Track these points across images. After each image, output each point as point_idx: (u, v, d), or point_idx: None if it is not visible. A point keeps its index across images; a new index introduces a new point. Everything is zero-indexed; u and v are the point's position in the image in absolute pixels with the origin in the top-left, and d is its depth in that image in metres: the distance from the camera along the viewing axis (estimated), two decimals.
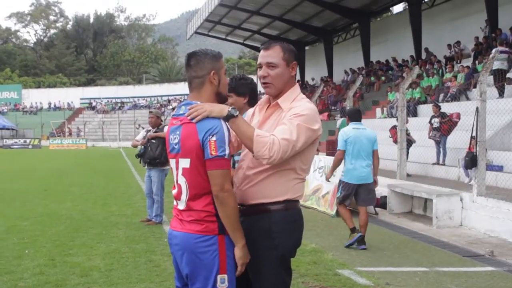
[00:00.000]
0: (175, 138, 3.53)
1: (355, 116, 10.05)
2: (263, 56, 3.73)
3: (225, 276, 3.45)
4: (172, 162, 3.61)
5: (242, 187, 3.67)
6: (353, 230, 9.66)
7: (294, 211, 3.70)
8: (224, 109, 3.40)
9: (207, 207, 3.45)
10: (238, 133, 3.45)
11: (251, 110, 4.05)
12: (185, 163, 3.46)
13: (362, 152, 9.59)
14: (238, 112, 3.42)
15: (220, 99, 3.63)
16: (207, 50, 3.68)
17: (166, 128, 9.50)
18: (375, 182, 9.91)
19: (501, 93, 18.93)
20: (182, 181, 3.51)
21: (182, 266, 3.55)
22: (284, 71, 3.71)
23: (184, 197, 3.51)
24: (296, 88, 3.80)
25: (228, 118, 3.39)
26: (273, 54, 3.70)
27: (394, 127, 18.14)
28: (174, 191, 3.60)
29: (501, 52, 18.41)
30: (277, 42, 3.81)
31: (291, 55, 3.74)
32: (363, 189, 9.68)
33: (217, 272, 3.43)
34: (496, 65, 18.89)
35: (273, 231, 3.58)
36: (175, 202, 3.64)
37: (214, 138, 3.35)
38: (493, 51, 13.48)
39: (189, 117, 3.39)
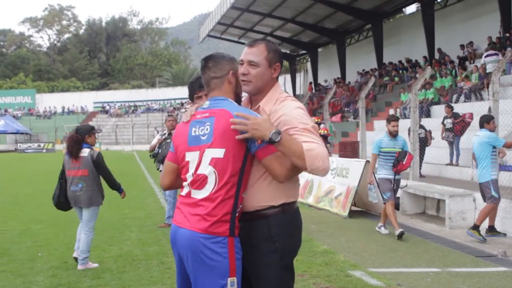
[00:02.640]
0: (203, 129, 3.48)
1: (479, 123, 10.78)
2: (246, 53, 3.65)
3: (235, 279, 3.41)
4: (193, 154, 3.52)
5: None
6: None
7: (291, 213, 3.65)
8: (267, 134, 3.28)
9: (228, 202, 3.40)
10: (287, 153, 3.33)
11: None
12: (217, 153, 3.39)
13: None
14: (279, 136, 3.28)
15: (237, 99, 3.63)
16: (223, 53, 3.72)
17: None
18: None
19: None
20: (209, 170, 3.41)
21: (189, 268, 3.49)
22: (265, 71, 3.63)
23: (209, 186, 3.41)
24: (277, 87, 3.73)
25: (271, 143, 3.31)
26: (256, 52, 3.64)
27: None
28: (187, 183, 3.53)
29: None
30: (264, 40, 3.74)
31: (275, 55, 3.67)
32: None
33: (228, 275, 3.38)
34: None
35: (272, 235, 3.54)
36: (184, 193, 3.55)
37: None
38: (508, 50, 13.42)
39: (232, 127, 3.32)
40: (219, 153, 3.40)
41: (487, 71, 18.99)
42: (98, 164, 8.30)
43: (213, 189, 3.40)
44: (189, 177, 3.51)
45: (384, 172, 10.97)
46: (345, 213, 13.01)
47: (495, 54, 21.63)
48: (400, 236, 10.31)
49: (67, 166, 8.38)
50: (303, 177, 16.64)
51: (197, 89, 4.34)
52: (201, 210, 3.40)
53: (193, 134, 3.54)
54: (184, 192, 3.56)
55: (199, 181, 3.45)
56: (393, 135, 10.93)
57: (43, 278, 7.60)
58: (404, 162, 10.76)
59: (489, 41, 26.03)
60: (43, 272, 7.94)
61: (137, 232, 10.88)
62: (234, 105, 3.54)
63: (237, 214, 3.47)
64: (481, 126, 10.56)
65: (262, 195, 3.54)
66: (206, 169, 3.43)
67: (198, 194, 3.44)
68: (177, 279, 3.70)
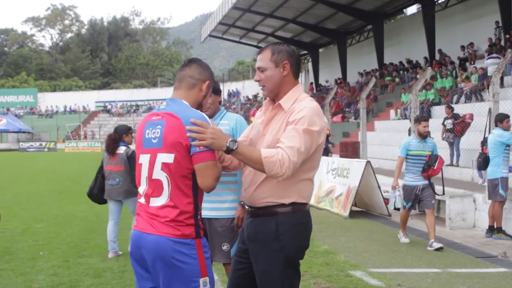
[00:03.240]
0: (154, 132, 3.45)
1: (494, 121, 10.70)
2: (257, 61, 3.78)
3: (207, 279, 3.41)
4: (145, 157, 3.50)
5: (249, 189, 3.71)
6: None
7: (301, 214, 3.70)
8: (224, 144, 3.35)
9: (188, 206, 3.40)
10: (245, 160, 3.45)
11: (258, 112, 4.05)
12: (167, 158, 3.38)
13: None
14: (236, 144, 3.38)
15: (199, 108, 3.61)
16: (208, 65, 3.78)
17: None
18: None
19: None
20: (162, 176, 3.40)
21: (154, 273, 3.45)
22: (273, 72, 3.71)
23: (165, 193, 3.39)
24: (298, 88, 3.81)
25: (228, 152, 3.38)
26: (262, 58, 3.74)
27: None
28: (143, 188, 3.49)
29: None
30: (270, 44, 3.84)
31: (280, 55, 3.73)
32: None
33: (200, 276, 3.37)
34: None
35: (279, 233, 3.59)
36: (142, 200, 3.50)
37: None
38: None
39: (188, 134, 3.32)
40: (169, 158, 3.38)
41: (488, 75, 19.01)
42: (131, 160, 8.84)
43: (169, 194, 3.39)
44: (143, 181, 3.50)
45: (410, 178, 10.07)
46: (346, 213, 13.04)
47: (497, 57, 21.63)
48: (400, 241, 10.18)
49: (106, 162, 9.09)
50: None
51: None
52: (163, 216, 3.38)
53: (146, 136, 3.52)
54: (142, 199, 3.51)
55: (155, 187, 3.43)
56: (423, 136, 10.00)
57: (44, 276, 7.63)
58: (435, 167, 9.86)
59: (489, 42, 26.03)
60: (44, 270, 7.97)
61: None
62: (189, 110, 3.48)
63: (199, 217, 3.48)
64: (495, 124, 10.62)
65: (271, 191, 3.62)
66: (159, 174, 3.42)
67: (157, 201, 3.42)
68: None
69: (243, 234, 3.82)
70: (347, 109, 35.57)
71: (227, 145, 3.34)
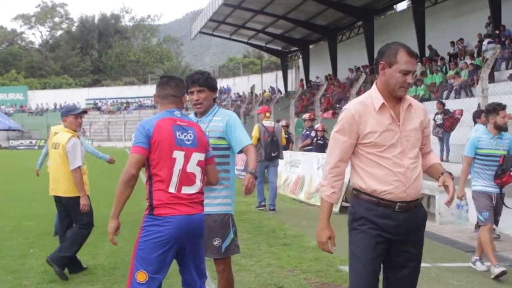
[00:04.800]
0: (186, 135, 4.43)
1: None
2: (411, 65, 3.93)
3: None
4: (179, 153, 4.37)
5: (415, 184, 3.96)
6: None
7: None
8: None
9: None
10: None
11: (357, 111, 3.99)
12: (201, 156, 4.52)
13: None
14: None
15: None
16: (182, 78, 4.85)
17: None
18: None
19: None
20: (196, 170, 4.48)
21: (189, 243, 4.43)
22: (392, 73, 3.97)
23: (199, 182, 4.47)
24: None
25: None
26: (414, 62, 4.00)
27: None
28: (175, 179, 4.33)
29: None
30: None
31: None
32: None
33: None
34: None
35: (425, 220, 4.16)
36: (172, 189, 4.33)
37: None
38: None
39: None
40: (201, 156, 4.53)
41: (486, 57, 18.93)
42: None
43: (201, 183, 4.50)
44: (176, 172, 4.34)
45: (481, 183, 8.03)
46: (336, 209, 13.06)
47: (494, 42, 21.58)
48: (499, 276, 7.42)
49: None
50: (295, 173, 16.70)
51: (190, 84, 5.06)
52: (198, 199, 4.47)
53: (178, 137, 4.40)
54: (173, 188, 4.34)
55: (189, 178, 4.40)
56: (503, 128, 7.93)
57: (35, 274, 7.63)
58: None
59: (479, 38, 26.12)
60: (34, 268, 7.96)
61: (129, 228, 10.85)
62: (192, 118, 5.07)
63: None
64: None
65: (421, 184, 4.03)
66: (194, 168, 4.46)
67: (190, 189, 4.39)
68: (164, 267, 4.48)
69: (395, 232, 4.01)
70: (337, 105, 35.63)
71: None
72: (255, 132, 13.79)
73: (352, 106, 3.98)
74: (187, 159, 4.37)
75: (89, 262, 8.23)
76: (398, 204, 3.91)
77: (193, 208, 4.37)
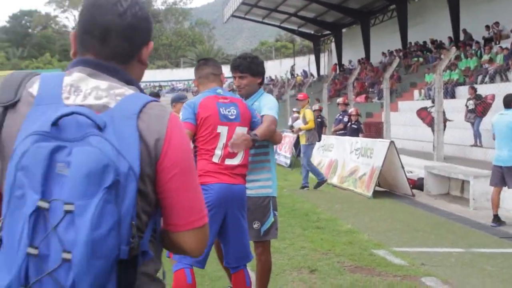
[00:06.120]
0: (229, 110, 4.63)
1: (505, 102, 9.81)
2: None
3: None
4: (223, 128, 4.58)
5: None
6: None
7: None
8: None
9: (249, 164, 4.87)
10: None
11: None
12: (244, 130, 4.67)
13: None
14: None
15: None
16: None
17: None
18: None
19: None
20: None
21: (231, 209, 4.60)
22: None
23: (241, 155, 4.64)
24: None
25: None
26: None
27: (422, 109, 18.09)
28: (219, 152, 4.56)
29: None
30: None
31: None
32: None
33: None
34: None
35: None
36: (216, 160, 4.57)
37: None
38: None
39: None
40: (244, 130, 4.69)
41: None
42: None
43: (243, 156, 4.67)
44: (220, 146, 4.58)
45: None
46: (369, 193, 13.06)
47: None
48: None
49: None
50: (328, 157, 16.72)
51: (231, 69, 5.20)
52: (240, 170, 4.66)
53: (222, 112, 4.60)
54: (215, 159, 4.57)
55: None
56: None
57: None
58: None
59: None
60: None
61: None
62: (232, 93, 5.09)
63: None
64: (506, 106, 9.82)
65: None
66: None
67: (233, 161, 4.61)
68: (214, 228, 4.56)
69: None
70: (370, 89, 35.39)
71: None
72: (311, 116, 14.57)
73: None
74: (230, 133, 4.58)
75: None
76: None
77: (235, 179, 4.59)
